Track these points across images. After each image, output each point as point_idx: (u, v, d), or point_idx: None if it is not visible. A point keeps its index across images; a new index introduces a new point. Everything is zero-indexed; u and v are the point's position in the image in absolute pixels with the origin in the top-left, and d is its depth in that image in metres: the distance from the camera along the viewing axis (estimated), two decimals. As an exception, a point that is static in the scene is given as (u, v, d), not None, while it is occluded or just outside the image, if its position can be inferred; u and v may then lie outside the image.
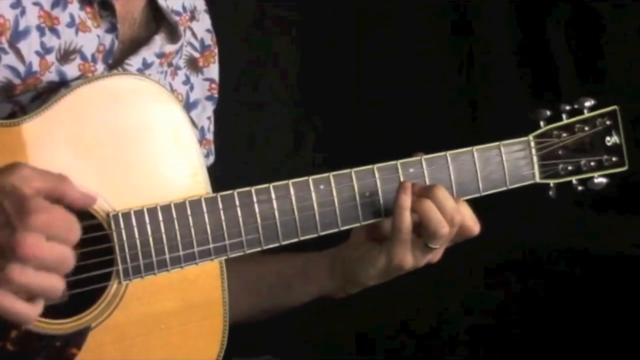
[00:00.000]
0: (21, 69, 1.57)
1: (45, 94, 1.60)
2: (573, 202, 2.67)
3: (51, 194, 1.39)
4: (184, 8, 1.83)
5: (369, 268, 1.76)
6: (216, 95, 1.90)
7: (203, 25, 1.88)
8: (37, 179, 1.38)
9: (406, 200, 1.69)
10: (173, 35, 1.77)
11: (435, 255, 1.76)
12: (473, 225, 1.75)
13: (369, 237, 1.76)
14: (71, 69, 1.63)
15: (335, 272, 1.80)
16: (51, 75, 1.60)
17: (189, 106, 1.83)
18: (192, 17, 1.85)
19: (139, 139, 1.60)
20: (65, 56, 1.62)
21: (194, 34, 1.86)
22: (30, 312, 1.36)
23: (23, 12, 1.58)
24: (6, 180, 1.36)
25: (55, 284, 1.36)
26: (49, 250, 1.34)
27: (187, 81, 1.84)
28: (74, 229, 1.38)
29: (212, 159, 1.91)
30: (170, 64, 1.79)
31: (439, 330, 3.13)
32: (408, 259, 1.73)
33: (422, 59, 3.17)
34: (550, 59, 3.10)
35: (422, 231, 1.71)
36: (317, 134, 3.18)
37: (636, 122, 2.07)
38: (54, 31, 1.61)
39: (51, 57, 1.60)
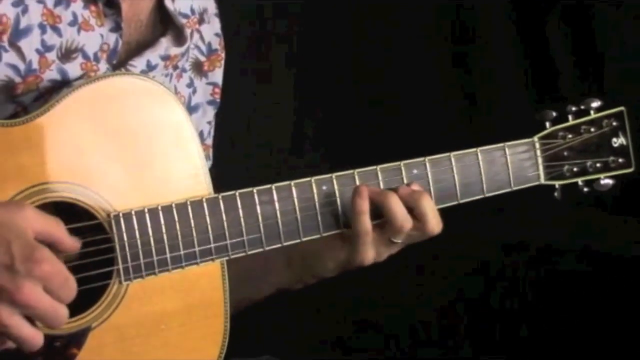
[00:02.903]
0: (21, 67, 1.57)
1: (48, 94, 1.60)
2: (577, 202, 2.68)
3: (48, 237, 1.44)
4: (192, 10, 1.82)
5: (328, 262, 1.75)
6: (218, 100, 1.90)
7: (212, 29, 1.87)
8: (37, 221, 1.43)
9: (362, 204, 1.68)
10: (179, 38, 1.76)
11: (395, 249, 1.75)
12: (436, 223, 1.72)
13: None
14: (73, 68, 1.62)
15: (293, 264, 1.78)
16: (52, 74, 1.60)
17: (190, 109, 1.82)
18: (201, 20, 1.84)
19: (141, 139, 1.60)
20: (67, 54, 1.62)
21: (202, 37, 1.84)
22: None
23: (25, 11, 1.57)
24: (12, 220, 1.41)
25: (35, 336, 1.43)
26: (43, 303, 1.41)
27: (190, 84, 1.83)
28: (68, 287, 1.44)
29: (209, 163, 1.91)
30: (175, 67, 1.78)
31: (440, 329, 3.12)
32: (370, 255, 1.72)
33: (424, 59, 3.16)
34: (550, 60, 3.09)
35: (387, 226, 1.70)
36: (319, 134, 3.18)
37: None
38: (56, 29, 1.61)
39: (52, 55, 1.60)
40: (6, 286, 1.38)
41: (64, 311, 1.44)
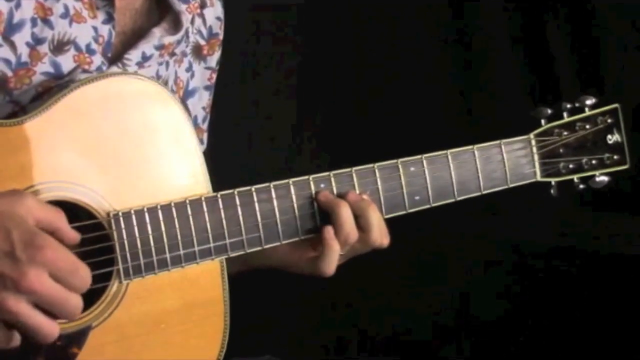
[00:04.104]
0: (13, 60, 1.57)
1: (46, 94, 1.60)
2: (572, 202, 2.69)
3: (48, 226, 1.43)
4: None
5: (269, 261, 1.76)
6: (213, 84, 1.89)
7: (214, 12, 1.86)
8: (38, 210, 1.42)
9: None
10: (176, 24, 1.75)
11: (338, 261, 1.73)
12: (380, 235, 1.70)
13: None
14: (66, 60, 1.62)
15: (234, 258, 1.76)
16: (45, 66, 1.60)
17: (187, 94, 1.83)
18: (203, 4, 1.83)
19: (139, 139, 1.60)
20: (59, 47, 1.62)
21: (204, 21, 1.84)
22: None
23: (18, 5, 1.58)
24: (13, 209, 1.39)
25: (48, 325, 1.40)
26: (49, 288, 1.38)
27: (189, 68, 1.83)
28: (80, 274, 1.41)
29: (203, 147, 1.90)
30: (173, 54, 1.78)
31: (438, 329, 3.12)
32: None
33: (424, 58, 3.16)
34: (550, 60, 3.10)
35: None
36: (317, 132, 3.18)
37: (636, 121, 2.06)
38: (47, 22, 1.60)
39: (43, 48, 1.60)
40: (9, 274, 1.35)
41: (75, 300, 1.41)
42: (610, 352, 2.87)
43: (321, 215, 1.69)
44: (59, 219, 1.45)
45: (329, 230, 1.68)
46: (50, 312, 1.41)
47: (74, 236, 1.47)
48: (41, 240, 1.38)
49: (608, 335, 2.90)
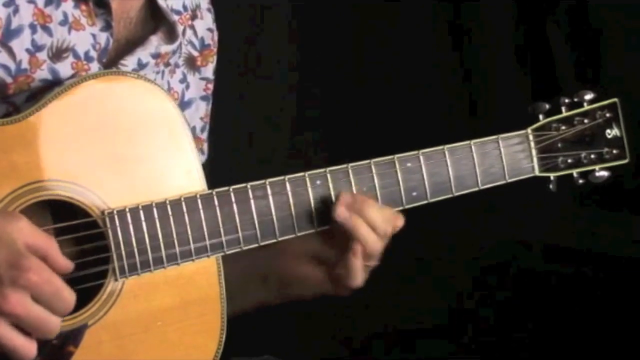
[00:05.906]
0: (12, 67, 1.58)
1: (40, 93, 1.60)
2: (572, 200, 2.68)
3: (38, 252, 1.43)
4: (184, 7, 1.82)
5: (304, 291, 1.77)
6: (211, 95, 1.90)
7: (205, 23, 1.87)
8: (30, 234, 1.43)
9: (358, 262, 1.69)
10: (171, 34, 1.76)
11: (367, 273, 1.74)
12: (396, 219, 1.71)
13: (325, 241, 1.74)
14: (64, 68, 1.63)
15: (270, 284, 1.78)
16: (43, 73, 1.61)
17: (183, 105, 1.82)
18: (194, 16, 1.84)
19: (134, 137, 1.60)
20: (58, 54, 1.62)
21: (195, 33, 1.85)
22: None
23: (16, 11, 1.58)
24: (3, 229, 1.41)
25: (25, 347, 1.42)
26: (30, 312, 1.40)
27: (183, 79, 1.83)
28: (62, 297, 1.43)
29: (203, 158, 1.90)
30: (167, 64, 1.78)
31: (437, 330, 3.11)
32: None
33: (420, 55, 3.17)
34: (549, 58, 3.10)
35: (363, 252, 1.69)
36: (314, 129, 3.18)
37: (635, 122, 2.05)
38: (46, 29, 1.61)
39: (42, 55, 1.60)
40: None
41: (55, 321, 1.43)
42: (611, 353, 2.86)
43: (317, 212, 1.69)
44: (51, 247, 1.45)
45: (356, 252, 1.68)
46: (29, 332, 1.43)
47: (66, 265, 1.46)
48: (27, 262, 1.40)
49: (608, 336, 2.88)
